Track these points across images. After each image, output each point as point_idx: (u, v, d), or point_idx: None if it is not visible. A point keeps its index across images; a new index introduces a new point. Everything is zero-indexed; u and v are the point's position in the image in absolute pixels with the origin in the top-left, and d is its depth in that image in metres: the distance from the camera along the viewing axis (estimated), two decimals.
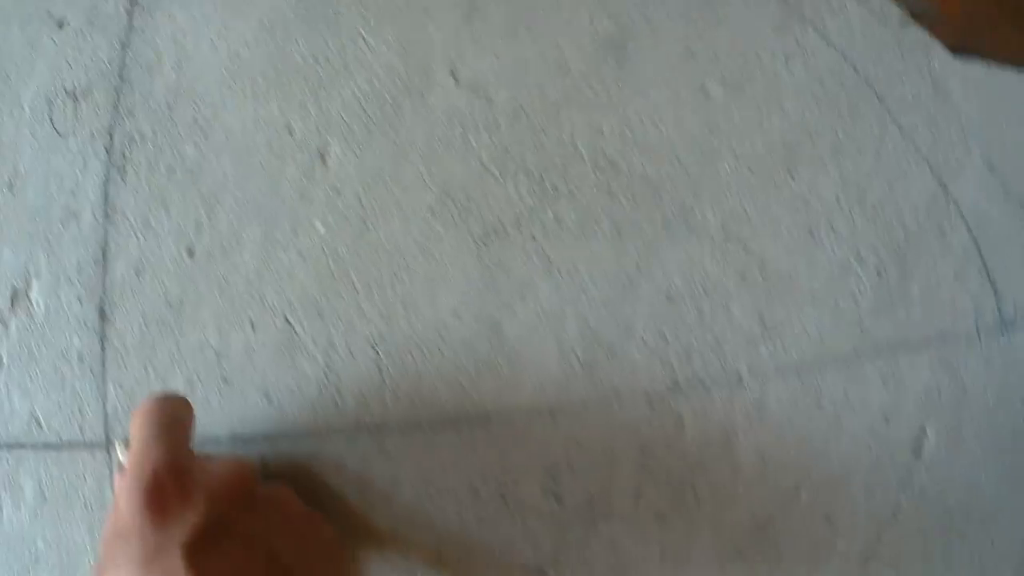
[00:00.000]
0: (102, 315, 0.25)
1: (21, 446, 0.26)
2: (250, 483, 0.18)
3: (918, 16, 0.29)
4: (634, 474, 0.22)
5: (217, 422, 0.23)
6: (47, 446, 0.25)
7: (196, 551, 0.16)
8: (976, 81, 0.28)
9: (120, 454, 0.20)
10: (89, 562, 0.24)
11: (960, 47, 0.30)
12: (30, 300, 0.26)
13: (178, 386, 0.24)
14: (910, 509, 0.25)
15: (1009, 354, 0.26)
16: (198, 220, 0.24)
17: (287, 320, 0.23)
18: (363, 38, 0.25)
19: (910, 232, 0.26)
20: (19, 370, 0.25)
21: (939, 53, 0.28)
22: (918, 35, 0.28)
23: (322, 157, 0.24)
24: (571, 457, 0.22)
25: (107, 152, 0.26)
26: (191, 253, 0.24)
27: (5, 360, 0.25)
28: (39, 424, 0.25)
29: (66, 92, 0.28)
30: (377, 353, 0.22)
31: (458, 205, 0.23)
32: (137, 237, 0.25)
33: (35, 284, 0.26)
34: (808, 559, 0.24)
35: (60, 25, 0.28)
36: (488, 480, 0.22)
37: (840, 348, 0.24)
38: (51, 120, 0.27)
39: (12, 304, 0.26)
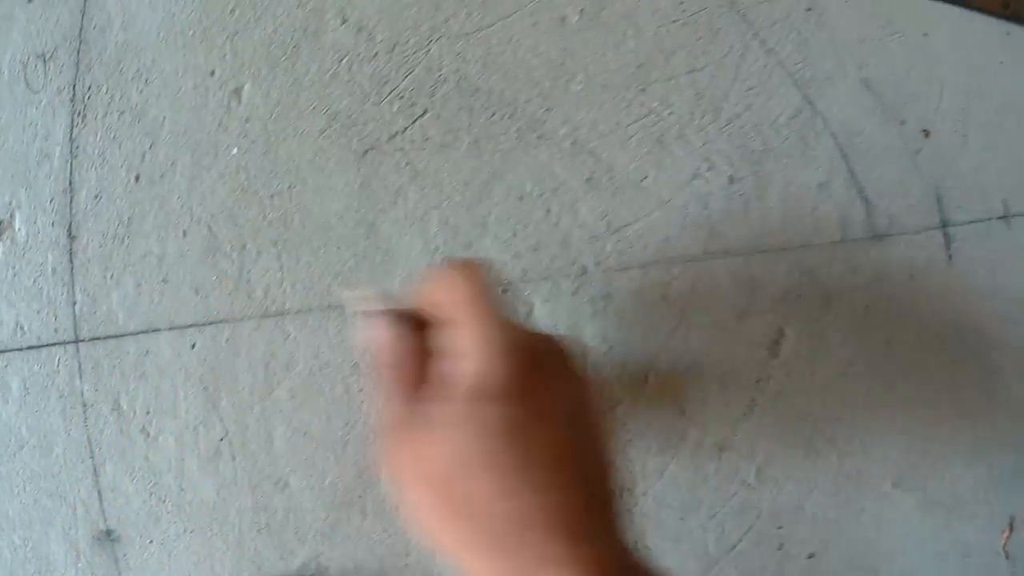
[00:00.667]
0: (70, 235, 0.31)
1: (9, 350, 0.32)
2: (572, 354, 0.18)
3: None
4: None
5: (159, 315, 0.29)
6: (29, 347, 0.32)
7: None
8: (857, 1, 0.30)
9: (349, 300, 0.20)
10: (62, 443, 0.30)
11: None
12: (14, 228, 0.32)
13: (127, 288, 0.30)
14: (766, 405, 0.28)
15: (881, 263, 0.28)
16: (143, 152, 0.30)
17: (210, 228, 0.28)
18: None
19: (768, 143, 0.28)
20: (6, 286, 0.32)
21: None
22: None
23: (237, 95, 0.29)
24: None
25: (71, 102, 0.32)
26: (137, 179, 0.30)
27: None
28: (22, 329, 0.32)
29: (36, 55, 0.34)
30: (278, 251, 0.27)
31: (342, 126, 0.27)
32: (96, 170, 0.31)
33: (17, 215, 0.32)
34: (659, 447, 0.27)
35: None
36: (367, 355, 0.27)
37: (689, 249, 0.27)
38: (26, 80, 0.34)
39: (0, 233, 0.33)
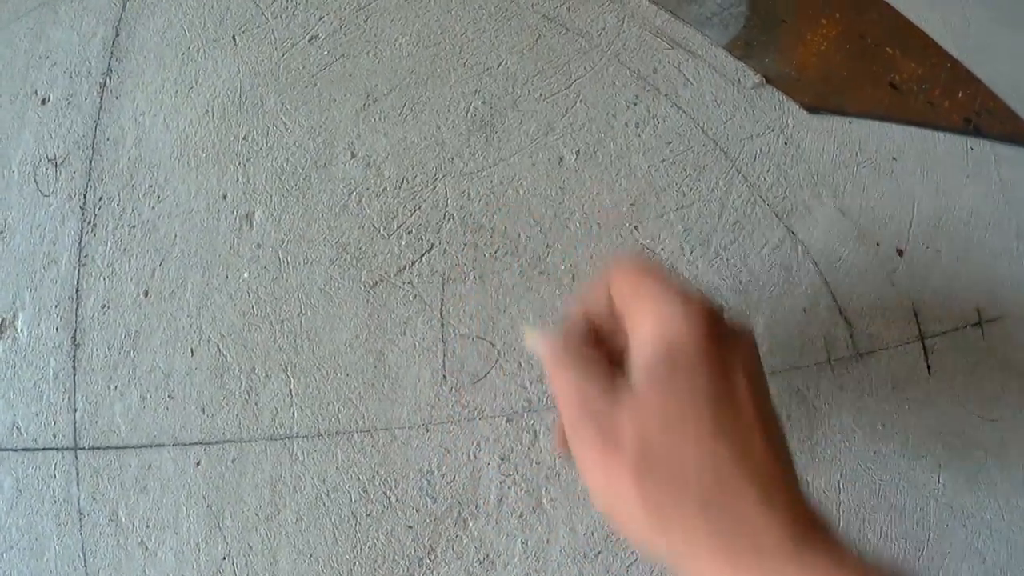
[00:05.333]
0: (74, 342, 0.38)
1: (4, 449, 0.39)
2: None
3: (774, 79, 0.40)
4: (496, 480, 0.33)
5: (163, 430, 0.36)
6: (25, 449, 0.39)
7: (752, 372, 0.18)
8: (831, 133, 0.39)
9: (530, 339, 0.23)
10: (55, 548, 0.36)
11: (817, 105, 0.41)
12: (16, 329, 0.39)
13: (131, 400, 0.37)
14: None
15: (865, 379, 0.36)
16: (152, 268, 0.37)
17: (219, 348, 0.35)
18: (282, 121, 0.38)
19: (754, 273, 0.36)
20: (4, 386, 0.38)
21: (794, 111, 0.39)
22: (773, 96, 0.39)
23: (248, 219, 0.36)
24: (442, 464, 0.33)
25: (81, 210, 0.40)
26: (147, 294, 0.37)
27: None
28: (19, 431, 0.38)
29: (48, 159, 0.42)
30: (287, 376, 0.34)
31: (352, 257, 0.35)
32: (104, 280, 0.38)
33: (20, 316, 0.39)
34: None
35: (43, 102, 0.42)
36: (374, 480, 0.33)
37: None
38: (36, 182, 0.42)
39: (1, 332, 0.39)
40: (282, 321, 0.35)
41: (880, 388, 0.37)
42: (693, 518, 0.17)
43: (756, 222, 0.37)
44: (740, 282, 0.37)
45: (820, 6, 0.41)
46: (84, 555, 0.37)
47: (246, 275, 0.36)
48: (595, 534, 0.34)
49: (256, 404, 0.35)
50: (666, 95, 0.38)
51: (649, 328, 0.19)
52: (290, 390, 0.35)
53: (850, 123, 0.40)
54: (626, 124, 0.37)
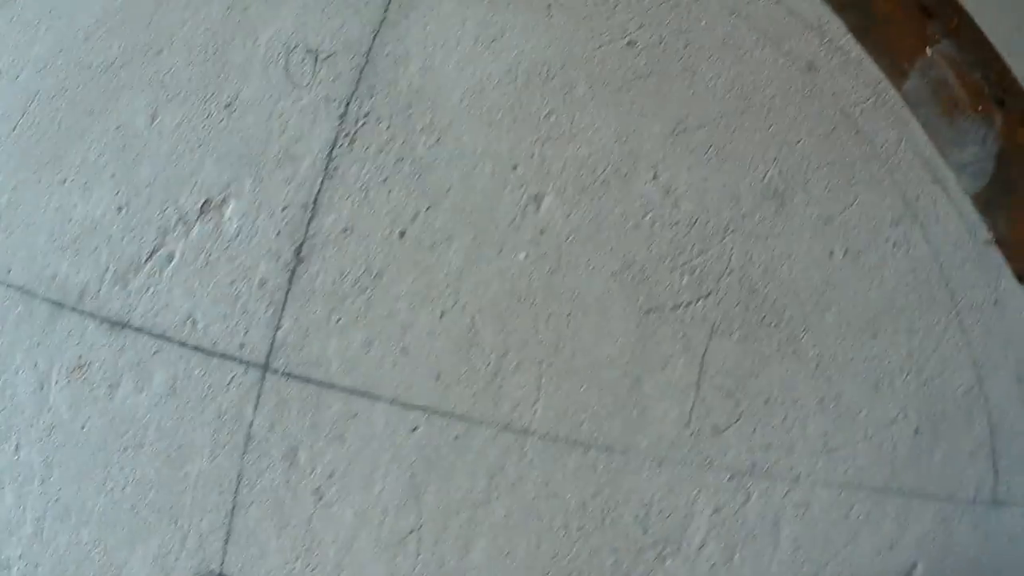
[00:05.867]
0: (298, 255, 0.35)
1: (165, 337, 0.35)
2: None
3: (1000, 241, 0.46)
4: (704, 528, 0.35)
5: (385, 383, 0.34)
6: (196, 348, 0.35)
7: None
8: None
9: None
10: (201, 465, 0.33)
11: None
12: (222, 214, 0.36)
13: (355, 340, 0.34)
14: None
15: (994, 525, 0.41)
16: (416, 211, 0.35)
17: (473, 320, 0.34)
18: (590, 114, 0.38)
19: (947, 409, 0.41)
20: (189, 271, 0.35)
21: (1007, 276, 0.45)
22: (996, 257, 0.44)
23: (537, 202, 0.36)
24: (663, 500, 0.34)
25: (340, 119, 0.37)
26: (402, 235, 0.35)
27: (177, 256, 0.35)
28: (194, 325, 0.35)
29: (307, 49, 0.39)
30: (540, 371, 0.34)
31: (634, 277, 0.35)
32: (353, 202, 0.36)
33: (232, 203, 0.36)
34: None
35: None
36: (596, 497, 0.34)
37: (874, 480, 0.38)
38: (286, 67, 0.38)
39: (201, 211, 0.36)
40: (549, 316, 0.35)
41: (1006, 539, 0.43)
42: None
43: (959, 363, 0.42)
44: (934, 413, 0.41)
45: None
46: (238, 481, 0.34)
47: (522, 256, 0.35)
48: None
49: (499, 388, 0.34)
50: (921, 225, 0.42)
51: None
52: (539, 386, 0.34)
53: None
54: (887, 239, 0.40)
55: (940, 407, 0.42)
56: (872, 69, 0.45)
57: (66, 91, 0.37)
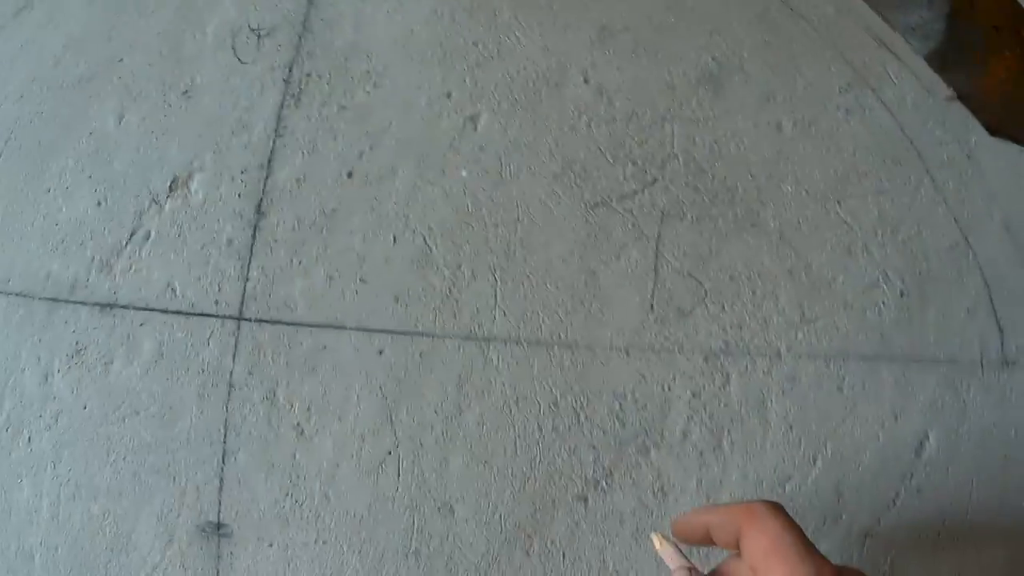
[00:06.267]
0: (258, 210, 0.38)
1: (149, 309, 0.38)
2: None
3: (963, 96, 0.45)
4: (684, 414, 0.34)
5: (347, 313, 0.35)
6: (177, 312, 0.38)
7: None
8: (1007, 158, 0.43)
9: (657, 543, 0.28)
10: (190, 419, 0.35)
11: (997, 129, 0.45)
12: (188, 188, 0.39)
13: (316, 278, 0.36)
14: (908, 500, 0.37)
15: (1007, 387, 0.40)
16: (361, 151, 0.38)
17: (424, 240, 0.36)
18: (515, 35, 0.39)
19: (932, 268, 0.40)
20: (165, 245, 0.37)
21: (978, 130, 0.43)
22: (962, 112, 0.43)
23: (473, 121, 0.37)
24: (636, 389, 0.34)
25: (285, 83, 0.40)
26: (350, 175, 0.37)
27: (153, 234, 0.38)
28: (174, 292, 0.37)
29: (250, 28, 0.42)
30: (495, 279, 0.35)
31: (576, 176, 0.36)
32: (303, 154, 0.38)
33: (197, 176, 0.39)
34: (816, 526, 0.36)
35: None
36: (566, 395, 0.34)
37: (863, 348, 0.37)
38: (233, 49, 0.42)
39: (171, 189, 0.39)
40: (496, 225, 0.36)
41: (1019, 397, 0.41)
42: None
43: (937, 221, 0.41)
44: (919, 272, 0.40)
45: (1008, 40, 0.46)
46: (225, 430, 0.36)
47: (464, 174, 0.37)
48: (765, 483, 0.36)
49: (457, 301, 0.35)
50: (873, 89, 0.41)
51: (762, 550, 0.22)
52: (495, 292, 0.35)
53: (1022, 153, 0.44)
54: (837, 107, 0.40)
55: (924, 266, 0.40)
56: None
57: (42, 113, 0.40)
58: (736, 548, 0.26)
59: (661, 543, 0.28)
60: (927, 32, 0.47)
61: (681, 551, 0.28)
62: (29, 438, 0.37)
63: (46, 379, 0.38)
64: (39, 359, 0.39)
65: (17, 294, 0.40)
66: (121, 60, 0.42)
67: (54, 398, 0.38)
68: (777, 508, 0.25)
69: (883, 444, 0.38)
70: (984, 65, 0.48)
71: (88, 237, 0.40)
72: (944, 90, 0.44)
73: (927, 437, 0.38)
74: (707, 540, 0.26)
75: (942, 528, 0.38)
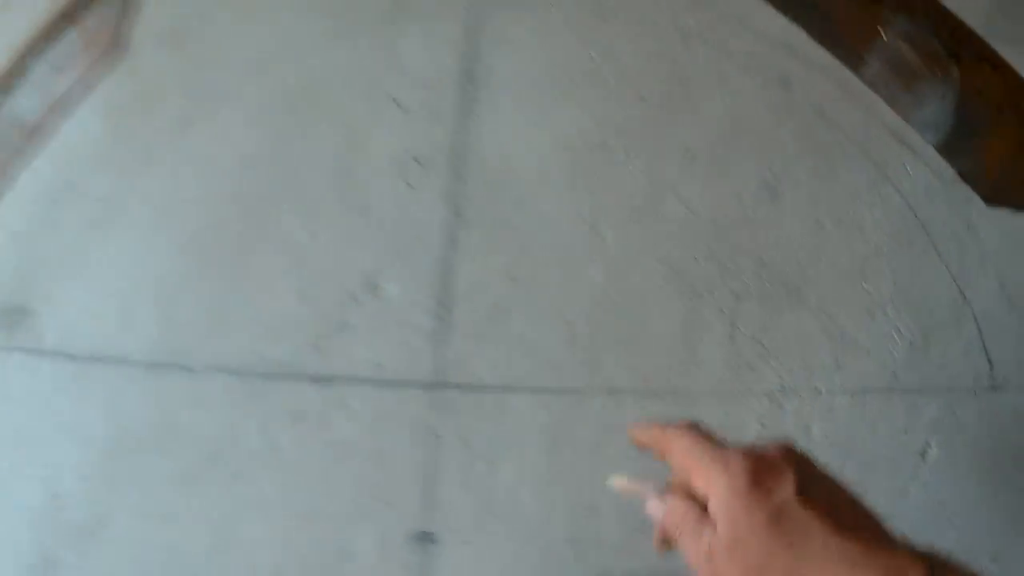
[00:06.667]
0: (443, 306, 0.52)
1: (359, 380, 0.53)
2: (796, 448, 0.28)
3: (965, 174, 0.57)
4: (754, 437, 0.50)
5: (517, 378, 0.50)
6: (384, 381, 0.53)
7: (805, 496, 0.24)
8: (1002, 223, 0.56)
9: (618, 484, 0.30)
10: (402, 461, 0.51)
11: (994, 199, 0.58)
12: (382, 289, 0.53)
13: (493, 354, 0.52)
14: (916, 494, 0.53)
15: (995, 406, 0.54)
16: (518, 259, 0.51)
17: (568, 321, 0.50)
18: (626, 164, 0.52)
19: (935, 319, 0.54)
20: (367, 333, 0.52)
21: (977, 204, 0.56)
22: (963, 189, 0.56)
23: (598, 232, 0.51)
24: (721, 422, 0.50)
25: (451, 205, 0.54)
26: (513, 279, 0.51)
27: (356, 323, 0.53)
28: (380, 367, 0.52)
29: (413, 158, 0.55)
30: (621, 348, 0.50)
31: (676, 272, 0.51)
32: (472, 262, 0.52)
33: (388, 279, 0.53)
34: None
35: (403, 109, 0.56)
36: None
37: (880, 384, 0.52)
38: (402, 176, 0.55)
39: (367, 290, 0.53)
40: (623, 309, 0.51)
41: (1006, 418, 0.55)
42: None
43: (940, 283, 0.54)
44: (924, 324, 0.54)
45: (1009, 117, 0.58)
46: (434, 467, 0.52)
47: (593, 273, 0.51)
48: None
49: (594, 363, 0.51)
50: (892, 182, 0.54)
51: (714, 496, 0.25)
52: (621, 358, 0.50)
53: (1018, 216, 0.57)
54: (864, 202, 0.54)
55: (929, 320, 0.54)
56: (838, 67, 0.56)
57: (227, 220, 0.54)
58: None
59: (624, 484, 0.30)
60: (938, 124, 0.58)
61: (641, 481, 0.30)
62: (255, 482, 0.53)
63: (270, 438, 0.54)
64: (261, 423, 0.54)
65: (233, 372, 0.56)
66: (299, 179, 0.56)
67: (278, 452, 0.53)
68: (688, 427, 0.28)
69: (896, 452, 0.53)
70: (986, 143, 0.60)
71: (296, 326, 0.55)
72: (951, 173, 0.57)
73: (930, 445, 0.53)
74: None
75: (942, 517, 0.53)
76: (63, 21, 0.82)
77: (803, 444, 0.51)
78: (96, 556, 0.57)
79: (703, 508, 0.26)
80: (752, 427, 0.52)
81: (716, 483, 0.25)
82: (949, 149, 0.59)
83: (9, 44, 0.79)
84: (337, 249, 0.57)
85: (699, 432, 0.29)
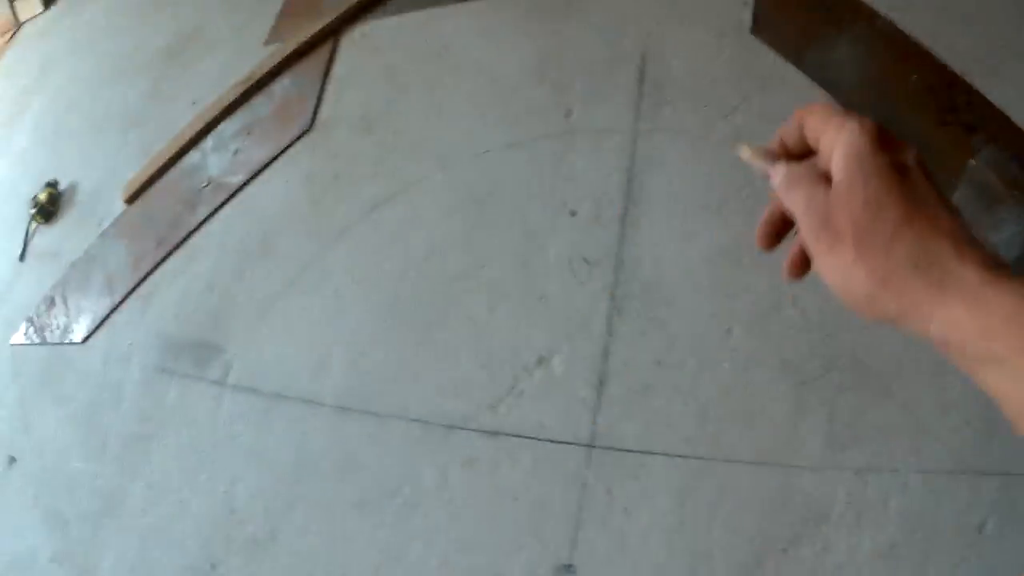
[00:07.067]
0: (600, 381, 0.64)
1: (526, 437, 0.66)
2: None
3: None
4: (844, 503, 0.62)
5: (657, 444, 0.63)
6: (546, 440, 0.65)
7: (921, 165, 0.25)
8: None
9: (744, 153, 0.29)
10: (557, 507, 0.63)
11: None
12: (551, 363, 0.65)
13: (639, 423, 0.64)
14: (974, 563, 0.65)
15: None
16: (664, 348, 0.64)
17: (704, 405, 0.62)
18: (754, 278, 0.63)
19: (999, 413, 0.65)
20: (536, 398, 0.65)
21: None
22: None
23: (729, 333, 0.63)
24: (816, 491, 0.62)
25: (611, 299, 0.66)
26: (659, 363, 0.63)
27: (526, 390, 0.65)
28: (543, 427, 0.65)
29: (582, 258, 0.67)
30: (743, 424, 0.62)
31: (787, 365, 0.63)
32: (626, 347, 0.64)
33: (556, 356, 0.66)
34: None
35: (572, 214, 0.67)
36: (781, 493, 0.62)
37: (948, 466, 0.64)
38: (572, 270, 0.67)
39: (538, 363, 0.66)
40: (745, 391, 0.63)
41: None
42: (904, 273, 0.24)
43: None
44: (986, 419, 0.65)
45: None
46: (580, 511, 0.65)
47: (727, 366, 0.63)
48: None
49: (717, 436, 0.63)
50: None
51: (841, 145, 0.26)
52: (742, 433, 0.62)
53: None
54: None
55: (994, 413, 0.66)
56: None
57: (420, 296, 0.67)
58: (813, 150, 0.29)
59: (749, 151, 0.30)
60: (1011, 244, 0.69)
61: (766, 148, 0.30)
62: (425, 513, 0.65)
63: (443, 477, 0.67)
64: (436, 464, 0.66)
65: (415, 420, 0.68)
66: (483, 265, 0.67)
67: (449, 489, 0.66)
68: (820, 104, 0.28)
69: (956, 528, 0.65)
70: None
71: (475, 387, 0.67)
72: None
73: (986, 521, 0.66)
74: (799, 138, 0.29)
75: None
76: (256, 88, 0.93)
77: (881, 514, 0.66)
78: (261, 566, 0.70)
79: (822, 171, 0.28)
80: (840, 497, 0.65)
81: (851, 131, 0.27)
82: (1019, 269, 0.70)
83: (194, 100, 0.91)
84: (515, 327, 0.69)
85: (831, 106, 0.29)
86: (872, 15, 0.81)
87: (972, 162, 0.77)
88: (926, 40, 0.81)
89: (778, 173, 0.30)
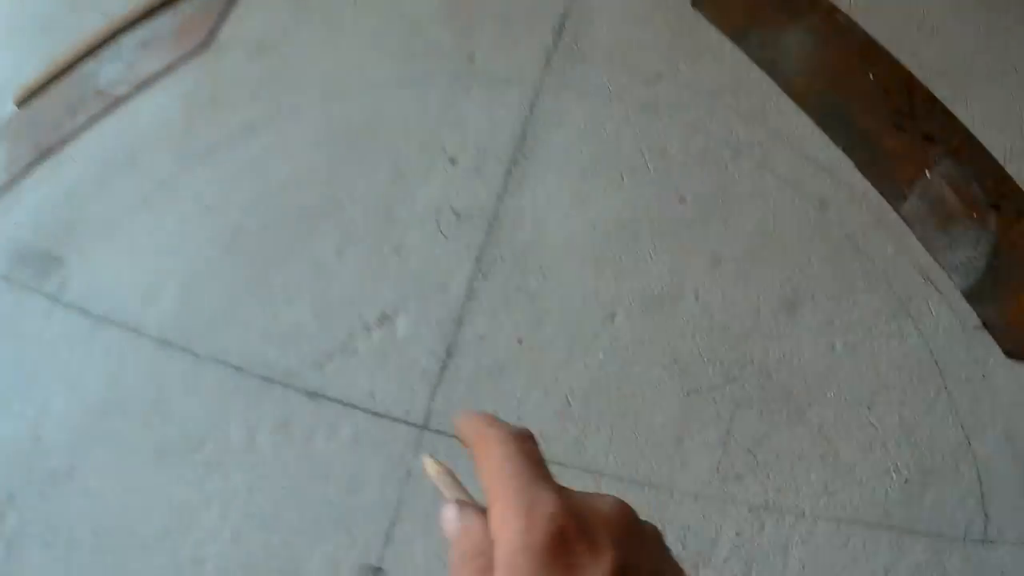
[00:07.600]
0: (448, 353, 0.55)
1: (351, 405, 0.56)
2: (634, 517, 0.20)
3: (989, 324, 0.58)
4: (728, 547, 0.51)
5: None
6: (374, 413, 0.56)
7: None
8: (1019, 378, 0.57)
9: (429, 468, 0.24)
10: (371, 494, 0.53)
11: (1015, 353, 0.59)
12: (394, 324, 0.57)
13: (482, 409, 0.54)
14: None
15: (987, 562, 0.54)
16: (529, 324, 0.55)
17: (567, 398, 0.53)
18: (650, 255, 0.55)
19: (935, 463, 0.54)
20: (370, 361, 0.56)
21: (997, 354, 0.57)
22: (985, 338, 0.57)
23: (612, 318, 0.54)
24: (697, 524, 0.51)
25: (477, 260, 0.57)
26: (520, 341, 0.54)
27: (361, 351, 0.56)
28: (373, 398, 0.55)
29: (452, 209, 0.59)
30: (612, 433, 0.52)
31: (680, 369, 0.53)
32: (485, 318, 0.56)
33: (401, 316, 0.57)
34: None
35: (452, 161, 0.60)
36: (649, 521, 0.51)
37: (868, 517, 0.52)
38: (438, 222, 0.59)
39: (380, 322, 0.57)
40: (618, 395, 0.53)
41: (994, 569, 0.55)
42: None
43: (946, 427, 0.55)
44: (923, 466, 0.54)
45: None
46: (398, 506, 0.55)
47: (601, 356, 0.54)
48: None
49: (583, 443, 0.53)
50: (913, 320, 0.56)
51: (502, 542, 0.20)
52: (610, 442, 0.52)
53: None
54: (881, 333, 0.55)
55: (929, 462, 0.55)
56: (875, 197, 0.59)
57: (267, 228, 0.59)
58: None
59: (436, 470, 0.25)
60: (969, 269, 0.60)
61: (457, 480, 0.25)
62: (227, 474, 0.56)
63: (251, 437, 0.57)
64: (247, 421, 0.57)
65: (235, 367, 0.59)
66: (341, 205, 0.60)
67: (256, 452, 0.56)
68: (510, 437, 0.22)
69: None
70: (1015, 296, 0.61)
71: (304, 339, 0.58)
72: (974, 320, 0.58)
73: None
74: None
75: None
76: (164, 3, 0.91)
77: (778, 564, 0.55)
78: (54, 503, 0.60)
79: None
80: (727, 536, 0.53)
81: (511, 527, 0.20)
82: (976, 296, 0.61)
83: (106, 13, 0.88)
84: (361, 277, 0.61)
85: (524, 449, 0.22)
86: (832, 9, 0.75)
87: (927, 174, 0.70)
88: (890, 47, 0.74)
89: (450, 523, 0.23)
